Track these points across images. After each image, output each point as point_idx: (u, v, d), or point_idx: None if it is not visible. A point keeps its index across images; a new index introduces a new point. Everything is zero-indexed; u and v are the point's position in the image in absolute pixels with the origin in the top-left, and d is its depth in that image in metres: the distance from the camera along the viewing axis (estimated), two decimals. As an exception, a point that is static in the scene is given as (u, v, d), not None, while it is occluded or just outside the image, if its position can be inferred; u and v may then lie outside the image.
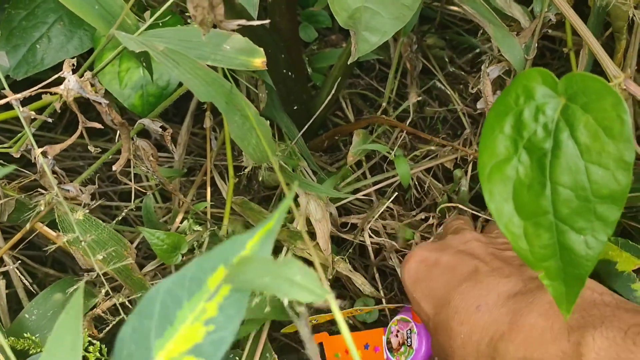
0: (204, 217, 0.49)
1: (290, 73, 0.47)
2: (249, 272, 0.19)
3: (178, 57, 0.30)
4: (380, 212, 0.49)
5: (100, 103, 0.34)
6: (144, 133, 0.51)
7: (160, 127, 0.43)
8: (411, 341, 0.44)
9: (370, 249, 0.49)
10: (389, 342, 0.45)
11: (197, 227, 0.46)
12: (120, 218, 0.44)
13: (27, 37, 0.46)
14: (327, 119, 0.57)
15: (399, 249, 0.48)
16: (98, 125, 0.34)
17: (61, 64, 0.38)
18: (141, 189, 0.51)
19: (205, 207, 0.49)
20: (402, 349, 0.44)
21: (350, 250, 0.50)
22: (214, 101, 0.32)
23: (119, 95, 0.46)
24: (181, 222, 0.50)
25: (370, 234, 0.49)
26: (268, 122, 0.39)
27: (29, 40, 0.46)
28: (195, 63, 0.31)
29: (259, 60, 0.34)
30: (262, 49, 0.34)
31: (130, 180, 0.46)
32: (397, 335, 0.45)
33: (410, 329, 0.44)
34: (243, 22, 0.28)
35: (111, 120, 0.35)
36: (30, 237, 0.47)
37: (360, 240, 0.49)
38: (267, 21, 0.28)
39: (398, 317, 0.46)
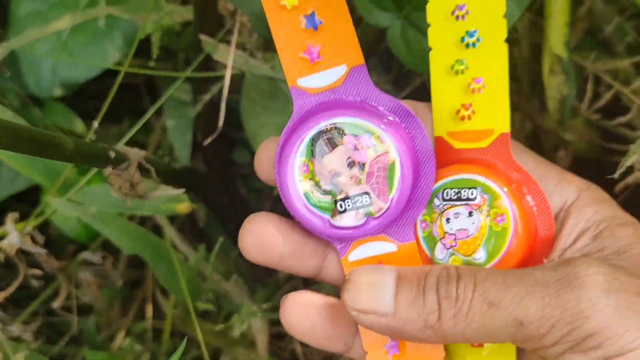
0: (146, 335, 0.52)
1: (224, 199, 0.52)
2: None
3: (106, 217, 0.35)
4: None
5: (40, 253, 0.37)
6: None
7: (102, 257, 0.47)
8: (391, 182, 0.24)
9: (301, 357, 0.53)
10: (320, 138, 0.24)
11: (138, 347, 0.50)
12: (65, 343, 0.47)
13: (-20, 175, 0.50)
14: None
15: (327, 356, 0.52)
16: (38, 272, 0.38)
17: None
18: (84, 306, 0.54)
19: (147, 325, 0.52)
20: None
21: None
22: (140, 253, 0.36)
23: (63, 224, 0.50)
24: (124, 339, 0.53)
25: (302, 342, 0.53)
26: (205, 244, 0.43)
27: (-19, 177, 0.50)
28: (122, 222, 0.35)
29: (183, 206, 0.38)
30: (186, 195, 0.38)
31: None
32: (354, 148, 0.24)
33: (391, 163, 0.24)
34: (162, 193, 0.32)
35: (50, 266, 0.39)
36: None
37: (292, 350, 0.53)
38: (182, 190, 0.32)
39: (328, 121, 0.24)
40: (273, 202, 0.57)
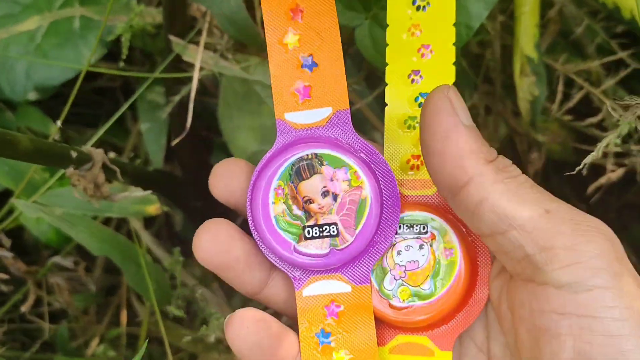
0: (120, 341, 0.52)
1: (198, 202, 0.52)
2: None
3: (74, 219, 0.34)
4: (287, 325, 0.52)
5: (6, 256, 0.37)
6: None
7: (74, 261, 0.46)
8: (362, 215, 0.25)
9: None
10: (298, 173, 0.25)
11: (112, 353, 0.49)
12: (35, 350, 0.46)
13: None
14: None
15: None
16: (4, 276, 0.37)
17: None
18: (56, 311, 0.53)
19: (122, 331, 0.52)
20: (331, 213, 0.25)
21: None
22: (109, 255, 0.36)
23: (35, 229, 0.49)
24: (98, 345, 0.52)
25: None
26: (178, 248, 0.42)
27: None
28: (90, 223, 0.35)
29: (153, 207, 0.38)
30: (155, 196, 0.38)
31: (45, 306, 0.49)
32: (329, 182, 0.25)
33: (363, 199, 0.25)
34: (128, 194, 0.32)
35: (17, 269, 0.38)
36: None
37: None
38: (149, 192, 0.32)
39: (311, 150, 0.25)
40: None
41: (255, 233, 0.25)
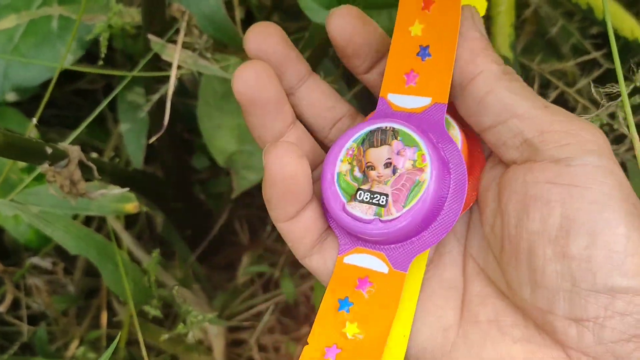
0: (100, 343, 0.51)
1: (179, 204, 0.51)
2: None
3: (50, 217, 0.34)
4: (269, 326, 0.52)
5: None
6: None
7: (52, 262, 0.46)
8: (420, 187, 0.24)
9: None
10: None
11: (92, 355, 0.49)
12: (14, 352, 0.46)
13: None
14: (224, 238, 0.61)
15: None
16: (-20, 276, 0.37)
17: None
18: (35, 313, 0.53)
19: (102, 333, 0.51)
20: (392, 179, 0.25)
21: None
22: (86, 254, 0.35)
23: (14, 231, 0.49)
24: (78, 347, 0.52)
25: (260, 348, 0.52)
26: (157, 250, 0.42)
27: None
28: (67, 221, 0.34)
29: (132, 206, 0.38)
30: (133, 195, 0.38)
31: (23, 309, 0.48)
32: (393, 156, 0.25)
33: (420, 181, 0.25)
34: (105, 192, 0.32)
35: (-6, 270, 0.38)
36: None
37: (250, 356, 0.52)
38: (127, 189, 0.32)
39: (391, 124, 0.26)
40: (232, 206, 0.57)
41: (321, 185, 0.26)
